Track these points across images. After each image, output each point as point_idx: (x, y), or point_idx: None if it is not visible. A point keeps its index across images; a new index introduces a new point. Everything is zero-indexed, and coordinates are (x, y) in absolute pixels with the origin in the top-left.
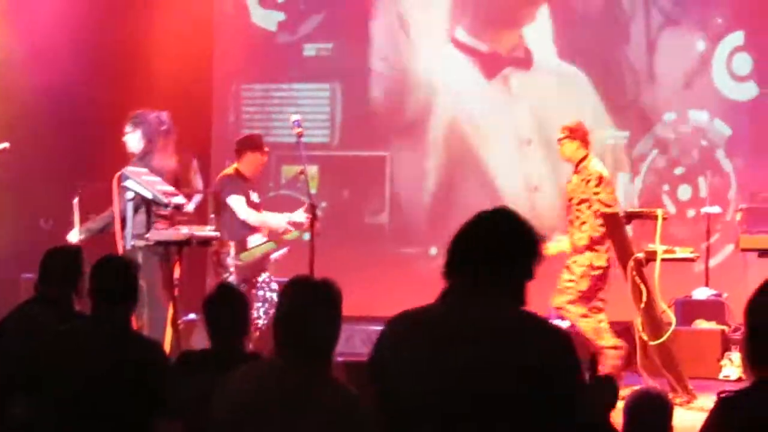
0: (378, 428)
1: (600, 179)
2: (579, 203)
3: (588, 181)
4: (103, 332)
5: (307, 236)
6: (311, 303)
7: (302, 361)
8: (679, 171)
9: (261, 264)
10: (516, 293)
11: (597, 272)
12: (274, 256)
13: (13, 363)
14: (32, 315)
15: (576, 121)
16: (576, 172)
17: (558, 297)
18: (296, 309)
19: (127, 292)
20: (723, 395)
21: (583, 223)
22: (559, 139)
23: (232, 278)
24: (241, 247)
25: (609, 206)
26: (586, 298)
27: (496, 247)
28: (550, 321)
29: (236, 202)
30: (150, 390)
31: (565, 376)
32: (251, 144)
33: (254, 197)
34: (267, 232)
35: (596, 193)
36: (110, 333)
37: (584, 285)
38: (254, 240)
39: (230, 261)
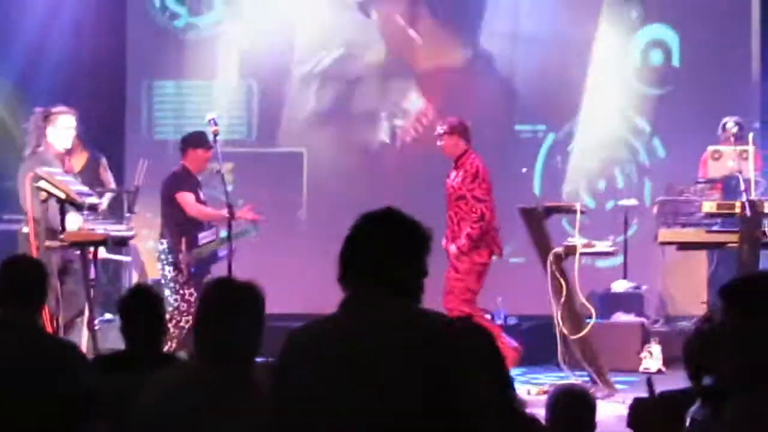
0: None
1: (476, 174)
2: (457, 199)
3: (464, 178)
4: (13, 337)
5: (254, 233)
6: (232, 305)
7: (222, 365)
8: (596, 164)
9: (210, 261)
10: (412, 292)
11: (480, 268)
12: (222, 254)
13: None
14: None
15: (455, 117)
16: (455, 167)
17: (449, 297)
18: (217, 311)
19: (36, 293)
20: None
21: (462, 219)
22: (440, 135)
23: (177, 277)
24: (193, 243)
25: (482, 201)
26: (474, 293)
27: (386, 249)
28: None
29: (184, 198)
30: (71, 394)
31: (468, 375)
32: (193, 141)
33: (201, 194)
34: (215, 230)
35: (471, 189)
36: (21, 338)
37: (472, 280)
38: (204, 237)
39: (181, 257)
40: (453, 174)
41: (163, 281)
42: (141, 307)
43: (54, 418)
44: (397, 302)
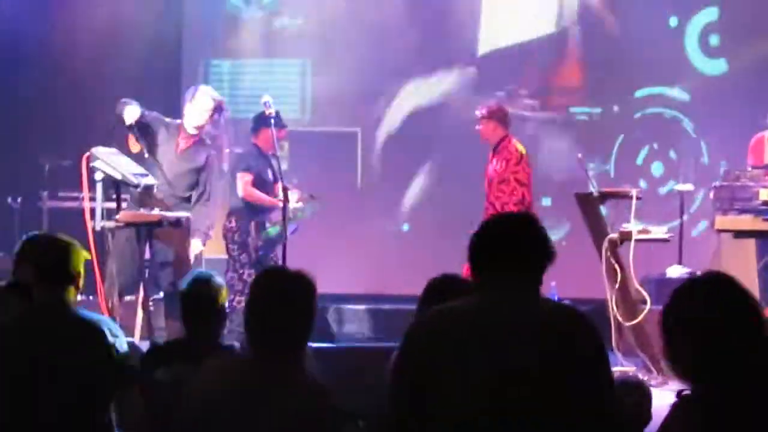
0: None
1: (520, 158)
2: (500, 183)
3: (509, 161)
4: (43, 322)
5: (309, 213)
6: (281, 296)
7: (272, 355)
8: (651, 148)
9: (276, 243)
10: (537, 290)
11: None
12: (289, 234)
13: None
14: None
15: (495, 102)
16: (495, 152)
17: None
18: (267, 302)
19: (67, 274)
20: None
21: (505, 204)
22: (477, 119)
23: (242, 256)
24: (262, 224)
25: (524, 185)
26: None
27: (526, 251)
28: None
29: (242, 179)
30: (98, 367)
31: (604, 362)
32: (264, 120)
33: (268, 174)
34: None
35: (515, 172)
36: (50, 322)
37: None
38: (272, 218)
39: (251, 241)
40: (494, 160)
41: (228, 259)
42: (201, 298)
43: (85, 391)
44: (538, 293)
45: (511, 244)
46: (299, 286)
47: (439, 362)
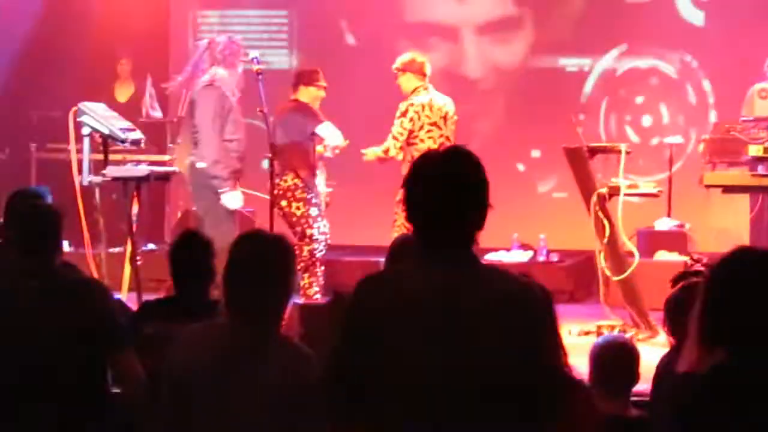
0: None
1: (407, 110)
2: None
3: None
4: (32, 286)
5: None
6: (259, 260)
7: (251, 320)
8: (640, 100)
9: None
10: (471, 245)
11: None
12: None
13: None
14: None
15: (408, 54)
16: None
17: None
18: (243, 266)
19: (53, 238)
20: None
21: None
22: (395, 72)
23: (309, 211)
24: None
25: (396, 139)
26: None
27: (460, 202)
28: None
29: (325, 129)
30: (98, 330)
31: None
32: (304, 78)
33: None
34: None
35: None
36: (40, 285)
37: None
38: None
39: (310, 196)
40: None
41: (293, 219)
42: (190, 255)
43: (83, 353)
44: (475, 258)
45: (438, 193)
46: (276, 249)
47: (377, 337)
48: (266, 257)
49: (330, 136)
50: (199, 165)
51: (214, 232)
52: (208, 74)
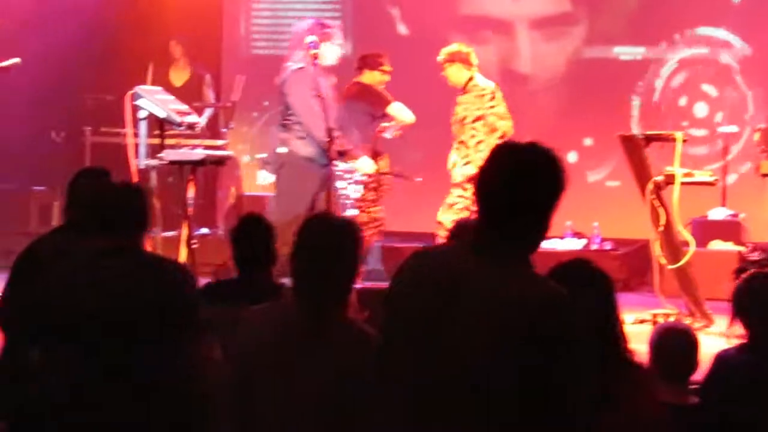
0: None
1: (493, 94)
2: (474, 121)
3: (482, 96)
4: (125, 265)
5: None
6: (327, 242)
7: (316, 302)
8: (694, 88)
9: None
10: (531, 251)
11: None
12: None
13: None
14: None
15: (454, 45)
16: (465, 91)
17: (445, 213)
18: (312, 248)
19: (142, 221)
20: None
21: (480, 141)
22: (442, 64)
23: (367, 195)
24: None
25: (503, 119)
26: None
27: (528, 201)
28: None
29: (397, 108)
30: (184, 314)
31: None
32: (368, 62)
33: None
34: None
35: (491, 107)
36: (134, 265)
37: None
38: None
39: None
40: (464, 98)
41: (348, 201)
42: (252, 237)
43: (162, 333)
44: (520, 258)
45: (499, 190)
46: (343, 233)
47: (406, 310)
48: (334, 240)
49: (402, 114)
50: (293, 145)
51: (289, 213)
52: (299, 57)
